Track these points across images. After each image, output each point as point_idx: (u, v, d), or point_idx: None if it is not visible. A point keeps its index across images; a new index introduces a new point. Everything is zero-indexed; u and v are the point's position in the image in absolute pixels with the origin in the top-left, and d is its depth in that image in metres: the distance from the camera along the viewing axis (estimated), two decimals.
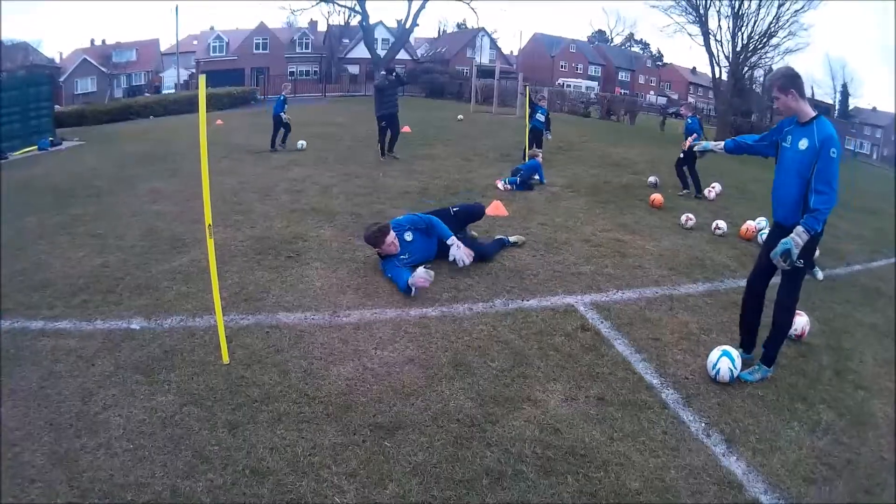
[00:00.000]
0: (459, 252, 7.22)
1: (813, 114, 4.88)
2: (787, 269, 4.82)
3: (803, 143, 4.83)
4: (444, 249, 7.36)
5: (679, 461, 4.16)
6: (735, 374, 5.19)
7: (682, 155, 13.77)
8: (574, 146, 20.25)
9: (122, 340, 5.50)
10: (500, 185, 12.80)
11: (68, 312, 6.09)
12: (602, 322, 6.27)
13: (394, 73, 16.41)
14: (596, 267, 7.88)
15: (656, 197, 12.20)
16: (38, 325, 5.81)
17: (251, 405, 4.52)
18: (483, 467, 3.97)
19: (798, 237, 4.70)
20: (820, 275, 8.36)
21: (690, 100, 59.08)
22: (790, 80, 4.91)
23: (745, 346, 5.65)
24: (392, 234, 7.01)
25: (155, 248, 8.04)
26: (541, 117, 16.34)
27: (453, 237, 7.31)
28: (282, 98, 19.26)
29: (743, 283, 5.61)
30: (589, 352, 5.63)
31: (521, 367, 5.28)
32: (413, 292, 6.56)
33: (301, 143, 18.74)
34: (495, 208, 10.40)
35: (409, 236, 7.26)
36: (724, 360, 5.20)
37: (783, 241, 4.75)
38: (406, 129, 21.50)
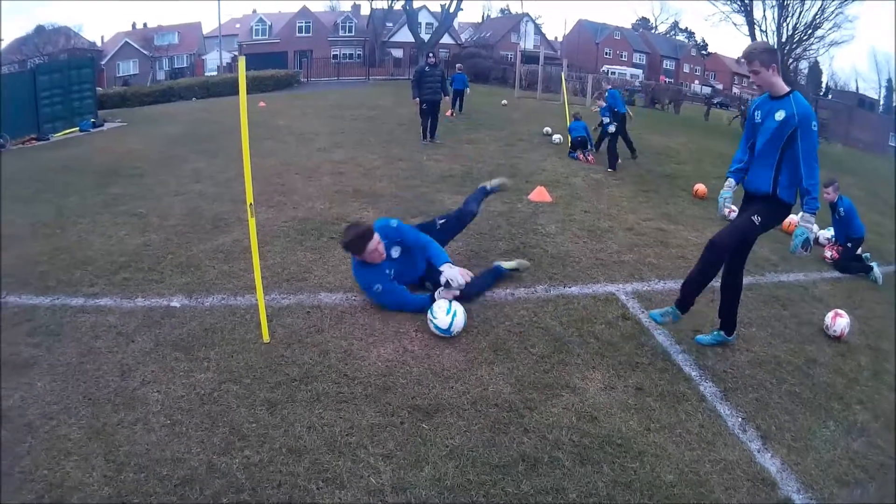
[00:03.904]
0: (453, 271, 5.68)
1: (787, 88, 4.94)
2: (807, 255, 4.86)
3: (779, 115, 4.87)
4: (433, 270, 5.97)
5: (714, 455, 4.12)
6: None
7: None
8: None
9: (162, 318, 5.57)
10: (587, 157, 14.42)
11: (109, 290, 6.18)
12: (643, 311, 6.20)
13: (430, 59, 16.42)
14: (638, 256, 7.82)
15: (699, 188, 12.11)
16: (79, 301, 5.90)
17: (290, 384, 4.55)
18: (519, 453, 3.96)
19: (808, 224, 4.82)
20: (880, 279, 8.19)
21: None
22: (772, 55, 4.99)
23: (682, 306, 5.42)
24: (377, 237, 5.70)
25: (197, 228, 8.13)
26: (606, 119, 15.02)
27: (447, 264, 5.77)
28: (464, 76, 24.45)
29: (784, 277, 5.50)
30: (629, 341, 5.59)
31: (561, 353, 5.25)
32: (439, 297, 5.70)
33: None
34: (539, 194, 10.38)
35: (395, 252, 6.05)
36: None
37: (797, 232, 4.84)
38: (449, 113, 21.54)
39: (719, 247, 5.08)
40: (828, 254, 8.88)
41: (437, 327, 5.35)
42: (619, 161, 14.19)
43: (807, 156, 4.76)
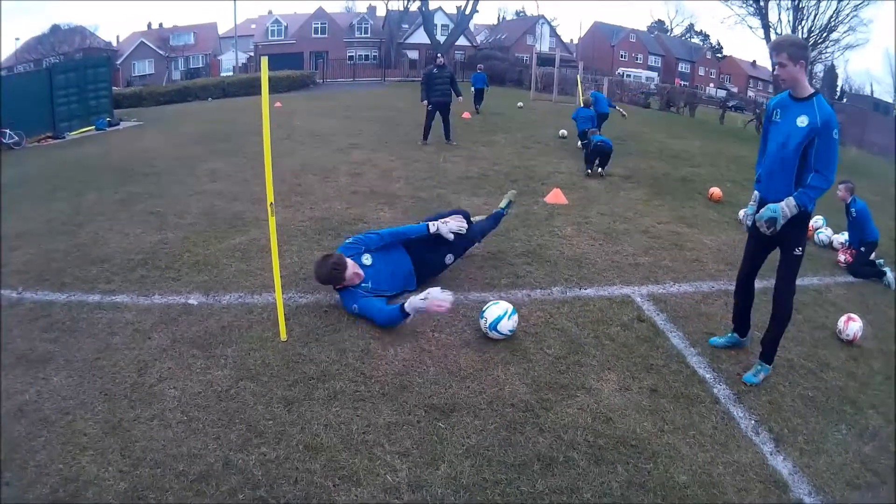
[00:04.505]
0: (446, 226, 6.19)
1: (811, 90, 4.67)
2: (768, 235, 4.70)
3: (802, 121, 4.61)
4: (422, 265, 6.24)
5: (727, 457, 4.12)
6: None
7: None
8: (633, 137, 19.95)
9: (179, 315, 5.61)
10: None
11: (126, 287, 6.23)
12: (658, 314, 6.20)
13: (438, 61, 16.41)
14: (654, 259, 7.81)
15: (715, 191, 12.02)
16: (95, 298, 5.97)
17: (307, 382, 4.58)
18: (535, 453, 3.97)
19: (787, 208, 4.61)
20: (893, 284, 8.14)
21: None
22: (801, 50, 4.67)
23: (740, 331, 5.61)
24: (350, 262, 5.61)
25: (214, 227, 8.15)
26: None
27: (431, 223, 6.24)
28: (484, 76, 26.72)
29: (798, 281, 5.40)
30: (644, 343, 5.59)
31: (577, 354, 5.26)
32: (408, 317, 5.39)
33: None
34: (555, 196, 10.38)
35: (367, 259, 5.89)
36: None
37: (771, 206, 4.65)
38: (466, 115, 21.57)
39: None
40: (841, 258, 8.80)
41: (497, 320, 5.30)
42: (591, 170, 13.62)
43: (821, 160, 4.57)
